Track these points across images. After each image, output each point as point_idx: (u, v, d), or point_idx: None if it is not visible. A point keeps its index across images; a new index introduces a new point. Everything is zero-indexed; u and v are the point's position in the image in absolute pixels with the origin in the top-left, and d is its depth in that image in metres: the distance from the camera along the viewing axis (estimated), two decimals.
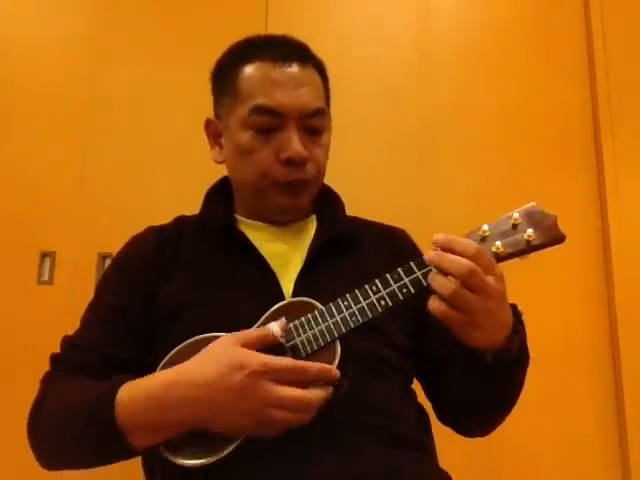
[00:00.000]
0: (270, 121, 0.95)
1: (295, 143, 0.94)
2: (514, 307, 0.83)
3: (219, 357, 0.75)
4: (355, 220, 1.10)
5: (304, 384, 0.74)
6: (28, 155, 1.73)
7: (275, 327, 0.78)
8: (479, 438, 1.00)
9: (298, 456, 0.76)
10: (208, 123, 1.06)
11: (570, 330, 1.71)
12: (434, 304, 0.75)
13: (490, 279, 0.75)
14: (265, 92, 0.95)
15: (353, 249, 1.01)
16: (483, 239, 0.79)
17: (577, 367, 1.69)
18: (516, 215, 0.79)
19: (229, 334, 0.78)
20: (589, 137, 1.83)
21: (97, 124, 1.76)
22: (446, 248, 0.75)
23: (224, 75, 1.02)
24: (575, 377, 1.68)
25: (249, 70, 0.97)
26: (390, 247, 1.05)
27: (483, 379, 0.84)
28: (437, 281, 0.75)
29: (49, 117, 1.75)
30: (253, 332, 0.78)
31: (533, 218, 0.79)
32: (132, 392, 0.78)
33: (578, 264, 1.74)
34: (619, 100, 1.82)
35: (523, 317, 0.85)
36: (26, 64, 1.79)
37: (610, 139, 1.80)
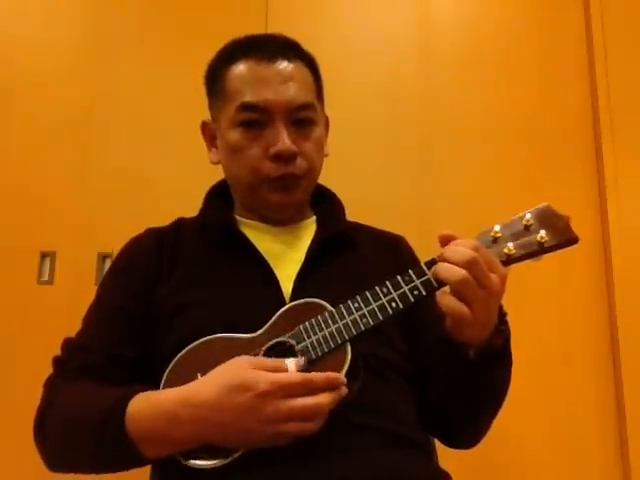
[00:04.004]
0: (257, 117, 0.95)
1: (283, 138, 0.94)
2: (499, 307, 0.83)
3: (227, 378, 0.75)
4: (355, 224, 1.10)
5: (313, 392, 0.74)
6: (28, 155, 1.73)
7: (291, 364, 0.77)
8: None
9: (299, 459, 0.76)
10: (204, 126, 1.07)
11: (570, 331, 1.71)
12: (441, 295, 0.76)
13: (493, 276, 0.76)
14: (251, 89, 0.95)
15: (352, 249, 1.01)
16: (495, 240, 0.79)
17: (577, 367, 1.68)
18: (528, 216, 0.78)
19: (244, 356, 0.78)
20: (589, 137, 1.83)
21: (97, 124, 1.76)
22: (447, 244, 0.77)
23: (214, 78, 1.03)
24: (575, 377, 1.68)
25: (236, 70, 0.98)
26: (389, 252, 1.05)
27: (465, 376, 0.84)
28: (445, 268, 0.76)
29: (49, 117, 1.75)
30: (267, 362, 0.77)
31: (546, 219, 0.78)
32: (142, 407, 0.78)
33: (578, 264, 1.74)
34: (619, 100, 1.82)
35: (507, 317, 0.85)
36: (26, 64, 1.79)
37: (610, 139, 1.79)
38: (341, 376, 0.75)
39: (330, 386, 0.74)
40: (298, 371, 0.76)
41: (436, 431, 0.98)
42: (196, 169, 1.68)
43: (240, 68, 0.98)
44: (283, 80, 0.96)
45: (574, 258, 1.73)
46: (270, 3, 1.84)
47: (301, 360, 0.77)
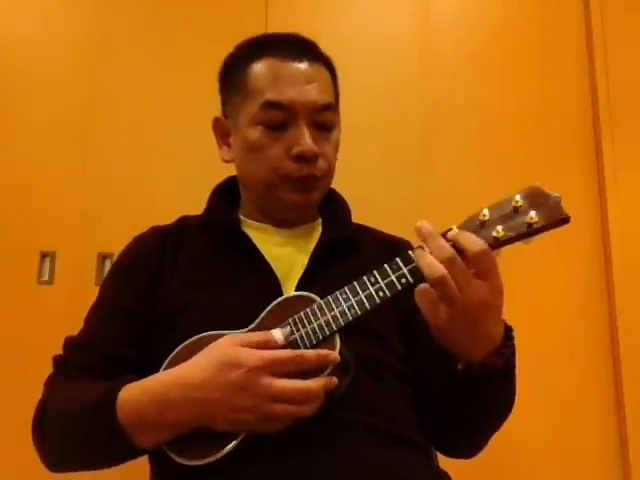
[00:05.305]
0: (280, 116, 0.94)
1: (306, 138, 0.93)
2: (508, 328, 0.80)
3: (216, 356, 0.75)
4: (360, 227, 1.09)
5: (305, 376, 0.74)
6: (28, 155, 1.73)
7: (278, 334, 0.77)
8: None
9: (296, 457, 0.76)
10: (216, 122, 1.05)
11: (570, 330, 1.71)
12: (420, 289, 0.74)
13: (481, 283, 0.73)
14: (275, 87, 0.94)
15: (356, 254, 1.00)
16: (483, 224, 0.77)
17: (577, 367, 1.68)
18: (518, 197, 0.76)
19: (230, 334, 0.79)
20: (589, 137, 1.83)
21: (97, 124, 1.76)
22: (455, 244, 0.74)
23: (232, 74, 1.01)
24: (575, 377, 1.68)
25: (258, 67, 0.97)
26: (393, 257, 1.04)
27: (454, 386, 0.83)
28: (426, 260, 0.73)
29: (49, 117, 1.75)
30: (255, 335, 0.77)
31: (536, 199, 0.75)
32: (133, 393, 0.78)
33: (578, 264, 1.74)
34: (619, 100, 1.82)
35: (514, 340, 0.81)
36: (26, 64, 1.78)
37: (610, 139, 1.79)
38: (334, 353, 0.75)
39: (321, 362, 0.74)
40: (285, 339, 0.77)
41: (432, 438, 0.96)
42: (196, 169, 1.68)
43: (263, 65, 0.97)
44: (307, 80, 0.95)
45: (574, 257, 1.73)
46: (270, 3, 1.84)
47: (286, 329, 0.78)
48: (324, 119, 0.97)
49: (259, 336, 0.77)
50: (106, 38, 1.81)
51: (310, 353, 0.75)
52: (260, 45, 1.01)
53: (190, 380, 0.75)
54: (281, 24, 1.79)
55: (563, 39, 1.90)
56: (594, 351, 1.70)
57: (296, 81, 0.94)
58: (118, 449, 0.80)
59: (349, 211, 1.08)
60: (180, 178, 1.71)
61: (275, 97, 0.94)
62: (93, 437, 0.79)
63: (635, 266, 1.72)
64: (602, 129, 1.80)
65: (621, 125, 1.80)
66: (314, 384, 0.73)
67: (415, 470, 0.83)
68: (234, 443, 0.74)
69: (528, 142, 1.82)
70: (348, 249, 1.00)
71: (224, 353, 0.75)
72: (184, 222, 1.06)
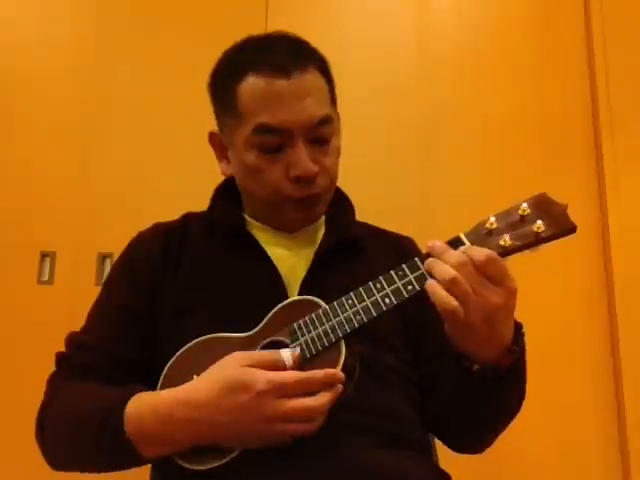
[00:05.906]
0: (275, 140, 0.90)
1: (304, 160, 0.89)
2: (518, 325, 0.80)
3: (225, 377, 0.74)
4: (364, 226, 1.08)
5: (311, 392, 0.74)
6: (28, 155, 1.73)
7: (287, 355, 0.76)
8: None
9: (299, 460, 0.76)
10: (212, 137, 1.02)
11: (570, 330, 1.71)
12: (434, 287, 0.73)
13: (497, 289, 0.73)
14: (267, 109, 0.89)
15: (360, 255, 0.99)
16: (490, 232, 0.77)
17: (577, 367, 1.68)
18: (524, 205, 0.76)
19: (239, 352, 0.78)
20: (589, 137, 1.83)
21: (97, 124, 1.76)
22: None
23: (221, 90, 0.98)
24: (575, 377, 1.68)
25: (247, 86, 0.91)
26: (397, 255, 1.02)
27: (468, 391, 0.83)
28: (437, 263, 0.74)
29: (49, 117, 1.75)
30: (264, 355, 0.77)
31: (542, 208, 0.76)
32: (140, 407, 0.78)
33: (578, 264, 1.74)
34: (619, 100, 1.82)
35: (525, 338, 0.81)
36: (26, 64, 1.79)
37: (610, 139, 1.80)
38: (339, 372, 0.75)
39: (328, 383, 0.74)
40: (295, 362, 0.76)
41: (439, 436, 0.97)
42: (196, 169, 1.68)
43: (251, 83, 0.91)
44: (299, 96, 0.89)
45: (574, 258, 1.73)
46: (270, 3, 1.85)
47: (296, 351, 0.77)
48: (321, 134, 0.92)
49: (268, 357, 0.76)
50: (106, 38, 1.81)
51: (318, 375, 0.74)
52: (246, 57, 0.95)
53: (196, 401, 0.74)
54: (281, 24, 1.77)
55: (563, 39, 1.90)
56: (594, 351, 1.70)
57: (287, 100, 0.89)
58: (124, 459, 0.80)
59: (353, 209, 1.07)
60: (180, 178, 1.72)
61: (267, 121, 0.89)
62: (99, 446, 0.78)
63: (635, 267, 1.72)
64: (602, 129, 1.80)
65: (621, 125, 1.80)
66: (319, 402, 0.73)
67: (417, 471, 0.83)
68: (237, 450, 0.75)
69: (528, 142, 1.82)
70: (352, 249, 0.99)
71: (231, 374, 0.74)
72: (188, 219, 1.04)
